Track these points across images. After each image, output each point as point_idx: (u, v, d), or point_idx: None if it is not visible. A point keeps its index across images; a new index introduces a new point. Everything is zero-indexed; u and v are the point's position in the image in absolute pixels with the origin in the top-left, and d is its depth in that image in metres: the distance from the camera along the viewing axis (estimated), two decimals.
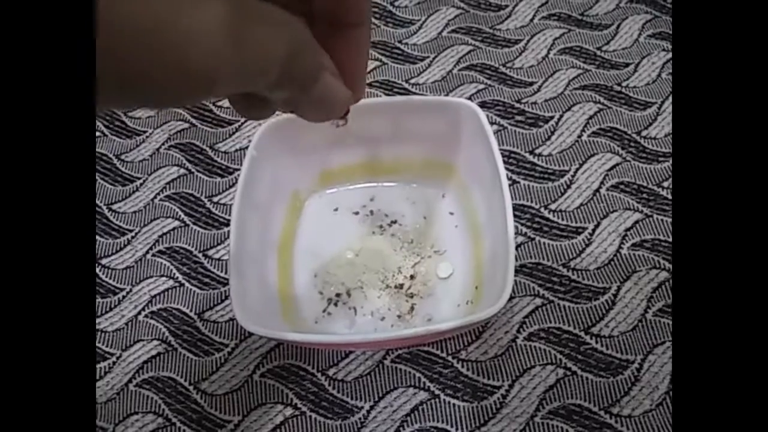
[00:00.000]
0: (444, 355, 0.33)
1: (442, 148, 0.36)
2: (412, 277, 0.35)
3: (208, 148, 0.41)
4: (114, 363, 0.34)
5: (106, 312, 0.36)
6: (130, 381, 0.34)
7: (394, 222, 0.37)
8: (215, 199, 0.39)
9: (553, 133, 0.39)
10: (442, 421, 0.31)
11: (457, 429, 0.31)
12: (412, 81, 0.42)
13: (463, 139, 0.35)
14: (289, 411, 0.32)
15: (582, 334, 0.33)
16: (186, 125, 0.42)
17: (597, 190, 0.37)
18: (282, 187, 0.37)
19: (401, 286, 0.35)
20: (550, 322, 0.33)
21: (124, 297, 0.36)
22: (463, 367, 0.32)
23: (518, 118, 0.40)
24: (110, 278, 0.37)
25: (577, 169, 0.38)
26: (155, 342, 0.34)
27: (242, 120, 0.42)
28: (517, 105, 0.41)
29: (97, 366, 0.34)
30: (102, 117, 0.44)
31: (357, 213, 0.37)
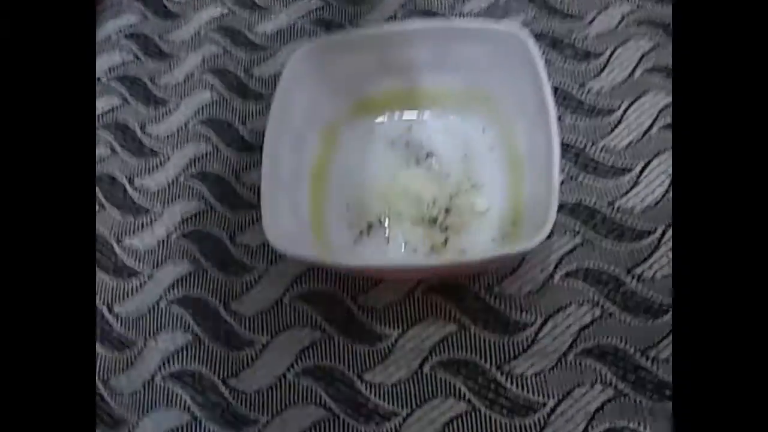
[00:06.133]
0: (476, 288, 0.32)
1: (485, 78, 0.34)
2: (447, 210, 0.34)
3: (242, 73, 0.40)
4: (144, 282, 0.34)
5: (138, 231, 0.36)
6: (160, 299, 0.34)
7: (431, 154, 0.35)
8: (248, 124, 0.38)
9: (603, 68, 0.37)
10: (471, 353, 0.30)
11: (486, 361, 0.30)
12: (456, 9, 0.40)
13: (508, 69, 0.33)
14: (317, 334, 0.32)
15: (622, 275, 0.31)
16: (220, 50, 0.41)
17: (648, 130, 0.35)
18: (316, 114, 0.35)
19: (435, 219, 0.34)
20: (590, 261, 0.32)
21: (155, 219, 0.36)
22: (495, 301, 0.31)
23: (567, 51, 0.38)
24: (143, 198, 0.37)
25: (628, 107, 0.36)
26: (186, 263, 0.34)
27: (278, 44, 0.41)
28: (566, 39, 0.38)
29: (128, 284, 0.34)
30: (137, 42, 0.43)
31: (393, 143, 0.36)
